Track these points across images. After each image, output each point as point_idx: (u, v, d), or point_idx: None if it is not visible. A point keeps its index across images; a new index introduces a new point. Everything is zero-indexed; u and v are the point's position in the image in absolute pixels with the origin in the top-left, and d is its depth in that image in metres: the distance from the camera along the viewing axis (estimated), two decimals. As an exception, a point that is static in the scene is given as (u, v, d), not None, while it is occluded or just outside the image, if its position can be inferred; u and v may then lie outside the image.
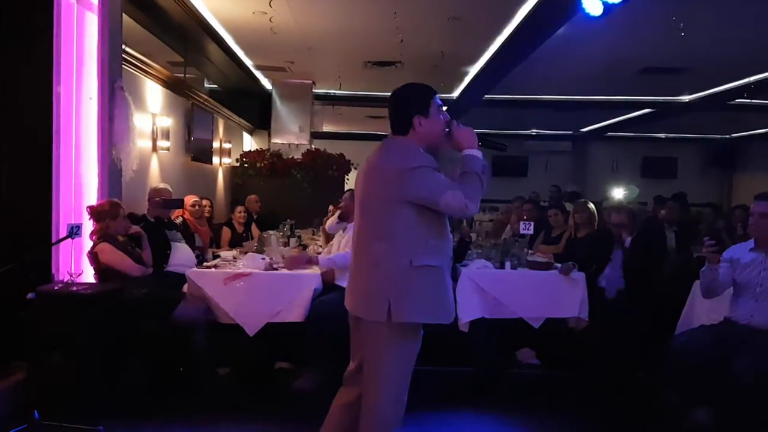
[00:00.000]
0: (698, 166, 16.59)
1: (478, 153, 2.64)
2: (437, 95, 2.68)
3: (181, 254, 5.03)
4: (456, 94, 10.80)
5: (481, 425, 3.87)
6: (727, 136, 15.96)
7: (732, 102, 10.52)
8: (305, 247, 6.19)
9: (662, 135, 15.77)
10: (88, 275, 4.35)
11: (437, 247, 2.60)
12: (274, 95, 10.55)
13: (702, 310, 4.25)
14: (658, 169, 16.20)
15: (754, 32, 6.92)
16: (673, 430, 3.76)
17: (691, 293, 4.45)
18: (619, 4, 5.02)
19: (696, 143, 16.43)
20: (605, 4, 5.07)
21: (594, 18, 5.22)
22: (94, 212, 4.28)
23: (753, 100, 10.28)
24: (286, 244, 5.97)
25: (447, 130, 2.68)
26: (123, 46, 5.16)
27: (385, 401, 2.59)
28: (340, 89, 10.93)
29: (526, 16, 6.48)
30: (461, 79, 9.93)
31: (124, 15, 5.14)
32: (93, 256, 4.24)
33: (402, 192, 2.51)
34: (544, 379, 4.78)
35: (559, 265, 4.88)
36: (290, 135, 10.57)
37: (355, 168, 10.07)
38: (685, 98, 11.06)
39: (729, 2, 6.02)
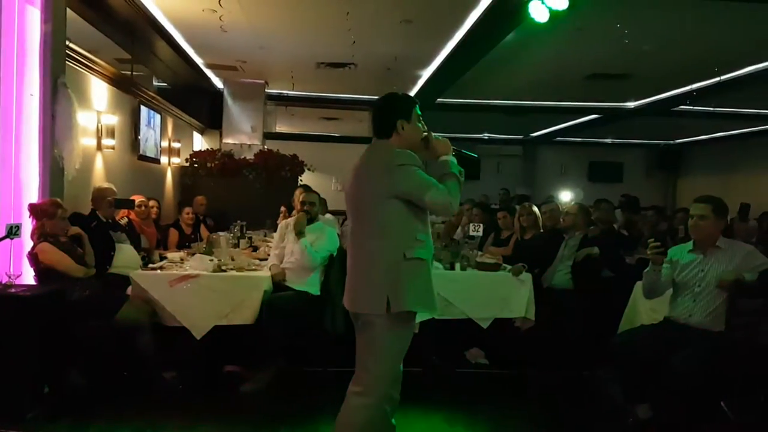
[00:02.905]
0: (643, 170, 17.08)
1: (453, 159, 2.86)
2: (417, 105, 2.88)
3: (125, 255, 4.93)
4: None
5: (429, 424, 3.89)
6: (672, 141, 16.48)
7: (675, 108, 10.87)
8: (256, 248, 6.14)
9: (609, 140, 16.19)
10: (28, 277, 4.22)
11: (425, 242, 2.78)
12: (226, 94, 10.43)
13: (643, 310, 4.38)
14: (605, 173, 16.63)
15: (696, 41, 7.17)
16: (616, 425, 3.86)
17: (633, 293, 4.58)
18: (564, 10, 5.14)
19: (641, 148, 16.92)
20: (551, 11, 5.18)
21: (540, 24, 5.33)
22: (33, 210, 4.16)
23: (695, 107, 10.64)
24: (236, 246, 5.90)
25: (425, 135, 2.88)
26: (67, 42, 5.02)
27: (372, 393, 2.73)
28: (293, 90, 10.86)
29: (476, 21, 6.58)
30: (414, 83, 9.99)
31: (68, 10, 5.00)
32: (33, 256, 4.11)
33: (390, 187, 2.69)
34: (492, 379, 4.84)
35: (507, 266, 4.97)
36: (242, 135, 10.46)
37: (309, 169, 10.02)
38: (631, 104, 11.38)
39: (672, 11, 6.22)
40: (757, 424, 3.59)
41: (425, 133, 2.88)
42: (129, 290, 4.43)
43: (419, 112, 2.88)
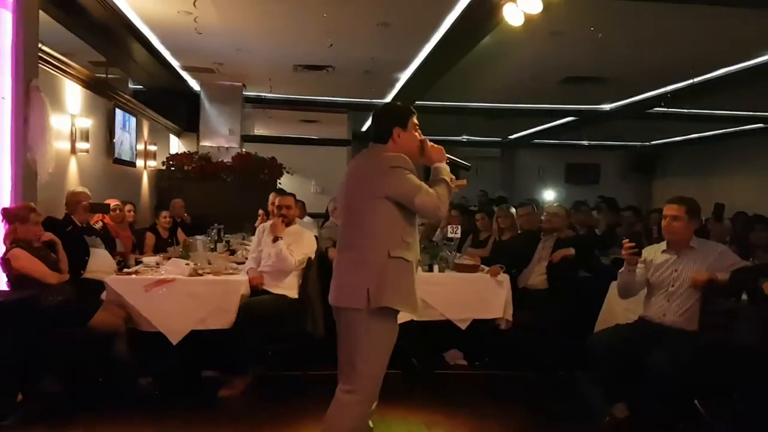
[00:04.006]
0: (619, 172, 17.25)
1: (446, 166, 2.96)
2: (415, 115, 2.99)
3: (100, 260, 4.86)
4: (388, 99, 10.85)
5: (408, 427, 3.89)
6: (647, 143, 16.67)
7: (650, 111, 11.00)
8: (233, 252, 6.10)
9: (585, 142, 16.35)
10: (0, 283, 4.15)
11: (410, 245, 2.86)
12: (203, 97, 10.35)
13: (618, 310, 4.42)
14: (581, 175, 16.80)
15: (670, 44, 7.27)
16: (593, 425, 3.89)
17: (608, 293, 4.62)
18: (538, 13, 5.18)
19: (617, 150, 17.09)
20: (525, 14, 5.22)
21: (516, 27, 5.37)
22: (6, 215, 4.10)
23: (669, 109, 10.78)
24: (213, 250, 5.86)
25: (421, 144, 2.97)
26: (40, 45, 4.95)
27: (362, 391, 2.78)
28: (271, 92, 10.81)
29: (452, 24, 6.60)
30: (393, 85, 9.98)
31: (41, 12, 4.94)
32: (5, 262, 4.05)
33: (382, 188, 2.77)
34: (471, 380, 4.86)
35: (485, 267, 5.00)
36: (220, 138, 10.37)
37: (288, 172, 9.97)
38: (606, 107, 11.49)
39: (645, 15, 6.29)
40: (730, 424, 3.63)
41: (421, 140, 2.98)
42: (104, 295, 4.37)
43: (417, 122, 2.97)
